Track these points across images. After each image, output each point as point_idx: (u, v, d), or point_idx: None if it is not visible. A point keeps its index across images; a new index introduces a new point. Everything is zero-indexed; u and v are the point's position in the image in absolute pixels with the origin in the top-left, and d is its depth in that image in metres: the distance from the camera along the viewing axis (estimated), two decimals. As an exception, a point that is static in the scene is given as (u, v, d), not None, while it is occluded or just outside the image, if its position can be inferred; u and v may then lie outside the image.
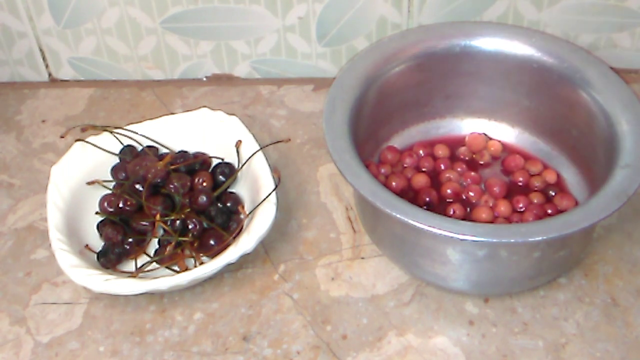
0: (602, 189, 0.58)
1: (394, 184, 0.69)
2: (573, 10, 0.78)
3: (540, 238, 0.55)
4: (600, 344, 0.61)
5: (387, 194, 0.58)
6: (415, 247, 0.61)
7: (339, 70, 0.68)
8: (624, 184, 0.57)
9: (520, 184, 0.70)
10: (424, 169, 0.71)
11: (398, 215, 0.56)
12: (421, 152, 0.72)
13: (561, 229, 0.55)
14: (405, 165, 0.71)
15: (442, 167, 0.71)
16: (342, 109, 0.64)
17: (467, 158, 0.73)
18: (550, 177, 0.70)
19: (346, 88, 0.65)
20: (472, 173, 0.71)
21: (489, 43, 0.69)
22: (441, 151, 0.72)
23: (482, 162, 0.72)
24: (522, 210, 0.68)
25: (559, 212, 0.67)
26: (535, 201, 0.68)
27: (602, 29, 0.79)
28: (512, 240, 0.55)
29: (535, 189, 0.69)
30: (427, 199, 0.68)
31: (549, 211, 0.67)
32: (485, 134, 0.73)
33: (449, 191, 0.69)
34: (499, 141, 0.73)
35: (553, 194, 0.69)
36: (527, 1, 0.77)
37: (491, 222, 0.67)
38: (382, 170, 0.71)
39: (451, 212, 0.67)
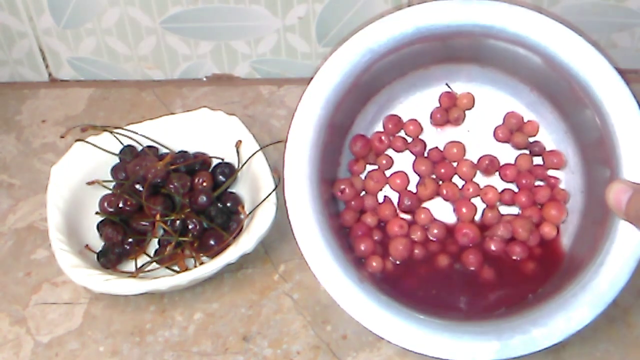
0: (607, 258, 0.56)
1: (374, 264, 0.64)
2: (573, 10, 0.78)
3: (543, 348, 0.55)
4: (600, 344, 0.61)
5: (375, 311, 0.57)
6: None
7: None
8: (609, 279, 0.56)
9: (501, 140, 0.67)
10: (397, 150, 0.68)
11: (387, 340, 0.56)
12: (390, 125, 0.67)
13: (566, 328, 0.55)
14: (377, 154, 0.68)
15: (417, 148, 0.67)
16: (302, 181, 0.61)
17: (440, 124, 0.68)
18: (532, 130, 0.66)
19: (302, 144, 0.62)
20: (443, 170, 0.67)
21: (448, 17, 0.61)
22: (412, 127, 0.67)
23: (458, 124, 0.68)
24: (509, 179, 0.65)
25: (549, 177, 0.65)
26: (524, 166, 0.65)
27: (602, 29, 0.79)
28: None
29: (518, 146, 0.66)
30: (408, 202, 0.66)
31: (539, 172, 0.65)
32: (451, 90, 0.68)
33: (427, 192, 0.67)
34: (471, 94, 0.68)
35: (538, 151, 0.66)
36: (527, 1, 0.77)
37: (474, 215, 0.66)
38: (355, 168, 0.67)
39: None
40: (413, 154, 0.68)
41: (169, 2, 0.79)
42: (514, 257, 0.64)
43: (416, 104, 0.68)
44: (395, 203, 0.67)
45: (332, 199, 0.66)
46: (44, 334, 0.64)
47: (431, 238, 0.66)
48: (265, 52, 0.83)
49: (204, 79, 0.86)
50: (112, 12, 0.80)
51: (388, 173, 0.68)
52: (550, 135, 0.66)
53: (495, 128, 0.67)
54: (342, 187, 0.66)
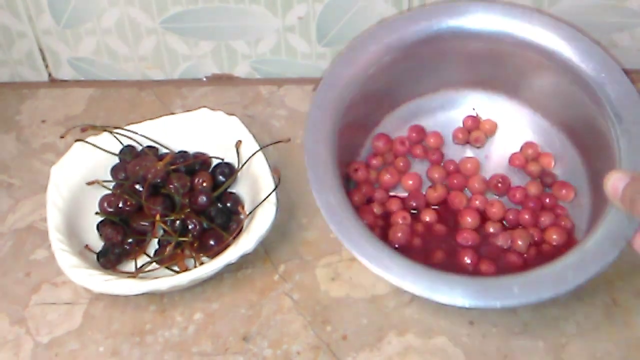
0: (597, 231, 0.57)
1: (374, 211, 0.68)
2: (573, 10, 0.78)
3: (533, 299, 0.55)
4: (600, 344, 0.61)
5: (378, 249, 0.57)
6: None
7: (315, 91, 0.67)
8: (621, 225, 0.57)
9: (517, 167, 0.69)
10: (415, 156, 0.70)
11: (387, 278, 0.56)
12: (413, 134, 0.70)
13: (555, 287, 0.55)
14: (396, 155, 0.70)
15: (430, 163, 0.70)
16: (324, 132, 0.63)
17: (460, 143, 0.71)
18: (547, 162, 0.69)
19: (328, 105, 0.64)
20: (455, 180, 0.69)
21: (479, 22, 0.66)
22: (433, 139, 0.70)
23: (478, 146, 0.71)
24: (517, 200, 0.67)
25: (557, 206, 0.67)
26: (533, 191, 0.67)
27: (603, 29, 0.79)
28: (500, 306, 0.55)
29: (532, 174, 0.68)
30: (414, 203, 0.68)
31: (547, 200, 0.66)
32: (477, 114, 0.71)
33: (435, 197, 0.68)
34: (494, 121, 0.71)
35: (550, 182, 0.68)
36: (527, 1, 0.77)
37: (478, 225, 0.66)
38: (374, 162, 0.70)
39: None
40: (430, 162, 0.70)
41: (169, 2, 0.79)
42: (510, 263, 0.65)
43: (442, 119, 0.71)
44: (403, 202, 0.68)
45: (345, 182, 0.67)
46: (43, 334, 0.64)
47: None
48: (265, 52, 0.83)
49: (204, 79, 0.86)
50: (112, 12, 0.80)
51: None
52: (566, 167, 0.69)
53: (512, 154, 0.70)
54: (356, 167, 0.67)
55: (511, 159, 0.70)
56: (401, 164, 0.70)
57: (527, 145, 0.70)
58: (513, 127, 0.71)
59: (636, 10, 0.77)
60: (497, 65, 0.69)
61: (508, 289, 0.55)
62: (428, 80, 0.71)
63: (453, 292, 0.55)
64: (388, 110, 0.72)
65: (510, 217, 0.67)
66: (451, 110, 0.72)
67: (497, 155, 0.70)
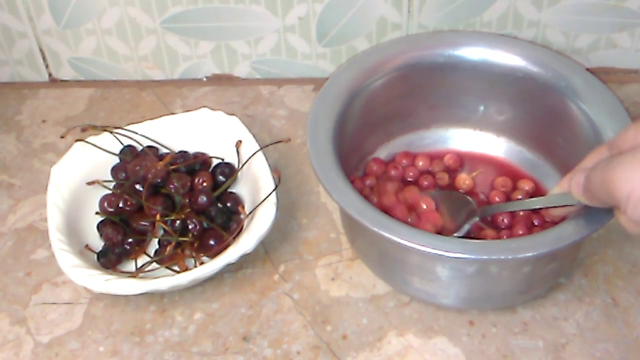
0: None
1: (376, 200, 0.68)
2: (573, 10, 0.78)
3: (530, 254, 0.54)
4: (600, 344, 0.61)
5: (374, 212, 0.57)
6: (404, 265, 0.61)
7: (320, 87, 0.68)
8: None
9: (502, 193, 0.70)
10: (409, 179, 0.71)
11: (386, 234, 0.56)
12: (404, 161, 0.72)
13: (552, 244, 0.55)
14: (390, 176, 0.71)
15: (426, 183, 0.71)
16: (325, 126, 0.63)
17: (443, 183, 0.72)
18: (530, 188, 0.70)
19: (329, 103, 0.65)
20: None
21: (472, 53, 0.69)
22: (422, 162, 0.72)
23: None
24: (507, 227, 0.67)
25: (546, 223, 0.67)
26: (521, 214, 0.68)
27: (602, 29, 0.79)
28: (502, 257, 0.55)
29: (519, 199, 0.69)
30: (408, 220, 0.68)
31: (535, 222, 0.67)
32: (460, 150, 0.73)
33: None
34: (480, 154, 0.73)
35: None
36: (527, 1, 0.77)
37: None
38: (367, 182, 0.70)
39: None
40: (422, 187, 0.71)
41: (169, 2, 0.79)
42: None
43: (431, 151, 0.73)
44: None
45: None
46: (44, 334, 0.64)
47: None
48: (265, 52, 0.83)
49: (204, 79, 0.86)
50: (112, 12, 0.80)
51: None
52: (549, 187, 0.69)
53: (495, 179, 0.71)
54: (352, 179, 0.67)
55: (495, 185, 0.70)
56: (395, 188, 0.70)
57: (511, 173, 0.71)
58: (497, 158, 0.73)
59: (636, 10, 0.77)
60: (484, 100, 0.71)
61: (506, 245, 0.56)
62: (420, 113, 0.73)
63: (453, 248, 0.55)
64: (381, 142, 0.73)
65: (504, 237, 0.67)
66: (440, 149, 0.73)
67: (483, 185, 0.71)
